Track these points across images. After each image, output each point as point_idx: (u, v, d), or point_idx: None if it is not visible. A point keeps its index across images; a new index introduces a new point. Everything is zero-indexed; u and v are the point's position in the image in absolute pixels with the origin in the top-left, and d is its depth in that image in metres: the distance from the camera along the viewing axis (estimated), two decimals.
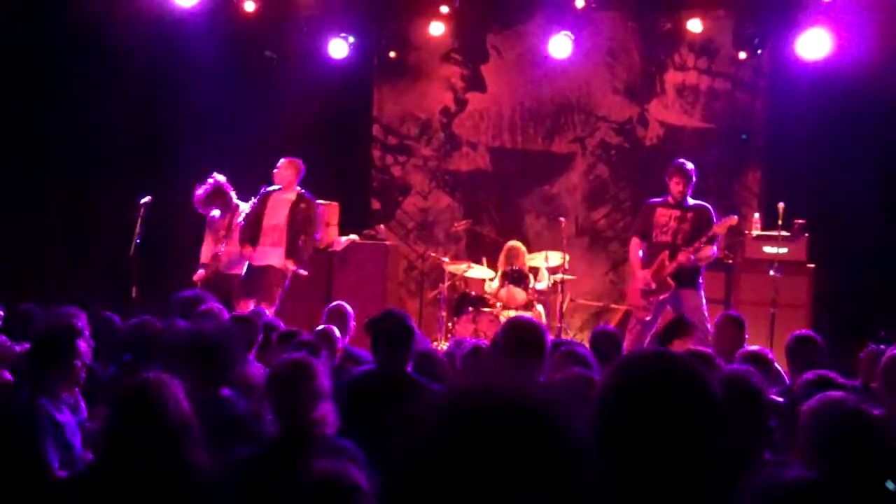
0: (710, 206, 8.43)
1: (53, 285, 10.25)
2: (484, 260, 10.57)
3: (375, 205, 12.04)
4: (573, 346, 5.46)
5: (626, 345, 7.95)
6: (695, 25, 10.92)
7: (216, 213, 9.32)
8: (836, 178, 9.82)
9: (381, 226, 11.15)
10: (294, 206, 9.17)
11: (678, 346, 6.45)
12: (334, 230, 10.56)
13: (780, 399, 4.27)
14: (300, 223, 9.15)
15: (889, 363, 4.55)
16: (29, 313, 6.17)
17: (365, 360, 5.71)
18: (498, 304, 10.07)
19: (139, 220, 8.65)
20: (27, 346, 4.76)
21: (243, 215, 9.18)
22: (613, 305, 10.87)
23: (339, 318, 6.96)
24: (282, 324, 6.77)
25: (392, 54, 11.75)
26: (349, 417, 4.28)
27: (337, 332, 6.24)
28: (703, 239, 8.20)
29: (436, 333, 10.15)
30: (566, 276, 10.11)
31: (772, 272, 8.90)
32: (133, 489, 3.23)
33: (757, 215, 10.19)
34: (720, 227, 8.27)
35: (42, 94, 10.68)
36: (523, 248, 10.45)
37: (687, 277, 8.26)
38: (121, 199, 9.60)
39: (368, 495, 2.78)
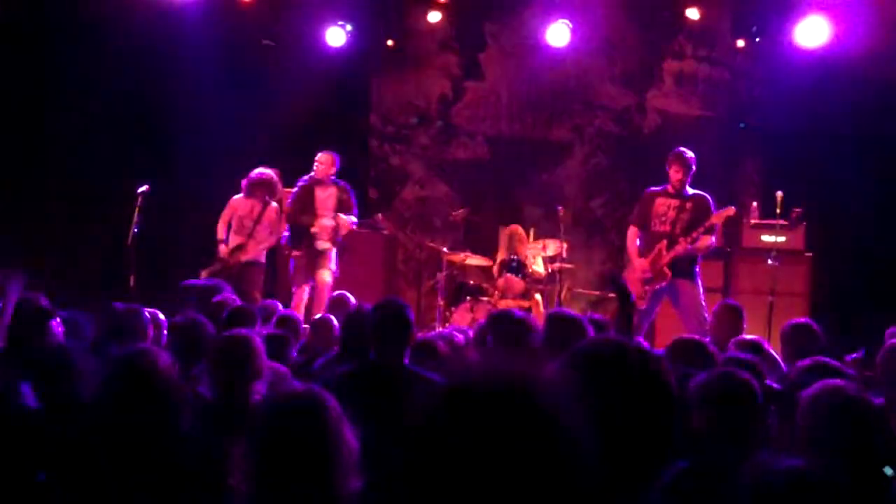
0: (709, 196, 8.42)
1: (51, 274, 10.23)
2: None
3: (373, 194, 12.03)
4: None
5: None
6: (693, 13, 10.89)
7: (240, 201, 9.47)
8: (834, 167, 9.81)
9: (379, 215, 11.13)
10: (339, 199, 9.57)
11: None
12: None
13: (777, 386, 4.27)
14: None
15: (888, 353, 4.55)
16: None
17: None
18: (495, 293, 10.08)
19: (137, 209, 8.64)
20: None
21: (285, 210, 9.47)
22: (611, 294, 10.86)
23: (342, 308, 6.95)
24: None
25: (390, 43, 11.71)
26: (344, 408, 4.28)
27: (335, 322, 6.23)
28: (701, 229, 8.19)
29: (433, 323, 10.15)
30: (564, 265, 10.10)
31: (770, 261, 8.90)
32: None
33: (755, 204, 10.19)
34: (718, 218, 8.26)
35: (39, 82, 10.65)
36: (523, 233, 10.45)
37: (684, 267, 8.26)
38: (118, 188, 9.58)
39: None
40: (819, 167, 10.04)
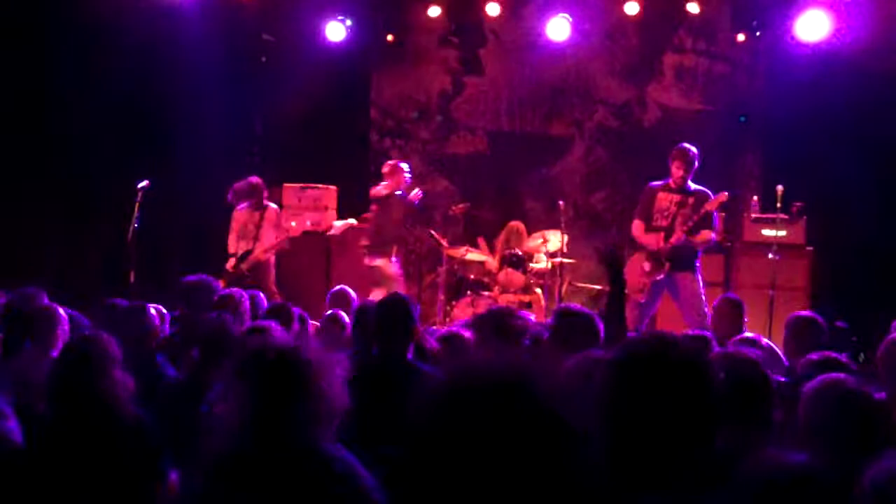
0: (710, 192, 8.41)
1: (51, 270, 10.23)
2: (481, 242, 10.56)
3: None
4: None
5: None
6: (693, 7, 10.88)
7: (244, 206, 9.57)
8: (834, 161, 9.80)
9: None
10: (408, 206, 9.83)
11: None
12: (332, 214, 10.56)
13: (782, 378, 4.27)
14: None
15: (889, 347, 4.54)
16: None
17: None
18: (496, 288, 10.08)
19: (137, 205, 8.63)
20: None
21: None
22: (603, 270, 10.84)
23: (344, 302, 6.94)
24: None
25: (390, 37, 11.70)
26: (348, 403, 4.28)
27: (345, 317, 6.21)
28: (696, 218, 8.17)
29: (434, 317, 10.16)
30: (565, 260, 10.10)
31: (770, 255, 8.90)
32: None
33: (755, 198, 10.18)
34: (711, 205, 8.23)
35: (39, 79, 10.63)
36: (524, 229, 10.46)
37: (684, 261, 8.24)
38: (118, 184, 9.57)
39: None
40: (819, 161, 10.02)
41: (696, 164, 8.37)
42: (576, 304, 5.70)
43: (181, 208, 10.51)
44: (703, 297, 8.17)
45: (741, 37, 11.02)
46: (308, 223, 9.98)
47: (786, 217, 9.48)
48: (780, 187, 8.97)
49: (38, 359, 4.34)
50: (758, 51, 11.17)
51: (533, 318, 5.52)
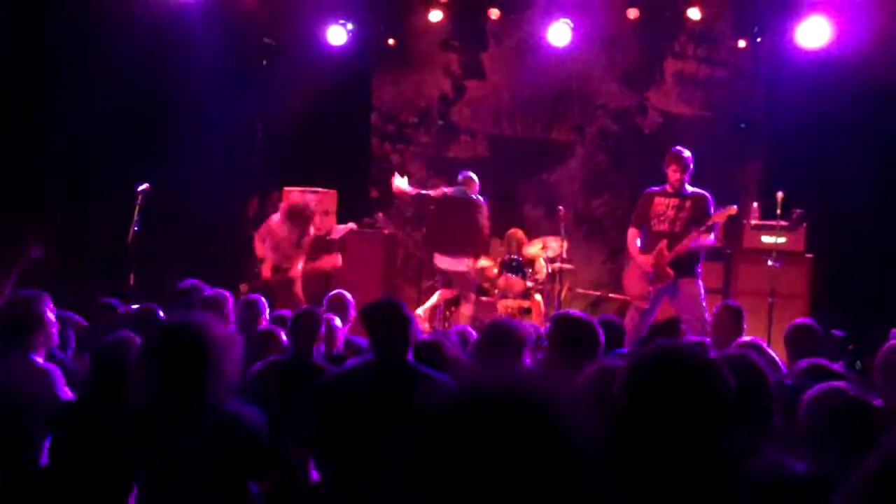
0: (707, 195, 8.40)
1: (51, 272, 10.23)
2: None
3: (374, 193, 12.03)
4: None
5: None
6: (694, 13, 10.89)
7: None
8: (835, 167, 9.81)
9: (380, 214, 11.14)
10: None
11: None
12: (332, 218, 10.56)
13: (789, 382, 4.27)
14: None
15: (887, 356, 4.54)
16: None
17: (365, 350, 5.72)
18: (496, 293, 10.07)
19: (137, 208, 8.63)
20: None
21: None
22: (612, 294, 10.86)
23: (340, 306, 6.94)
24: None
25: (391, 41, 11.72)
26: (348, 407, 4.29)
27: (337, 321, 6.23)
28: (702, 228, 8.17)
29: (433, 321, 10.15)
30: (564, 265, 10.10)
31: (770, 262, 8.89)
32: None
33: (755, 204, 10.18)
34: (719, 217, 8.23)
35: (39, 81, 10.64)
36: (523, 235, 10.47)
37: (686, 266, 8.24)
38: (119, 186, 9.57)
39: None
40: (820, 168, 10.03)
41: (692, 166, 8.36)
42: (575, 311, 5.69)
43: (181, 211, 10.50)
44: (704, 304, 8.16)
45: (742, 43, 11.04)
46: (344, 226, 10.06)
47: (786, 224, 9.48)
48: (780, 194, 8.95)
49: (20, 363, 4.42)
50: (758, 57, 11.17)
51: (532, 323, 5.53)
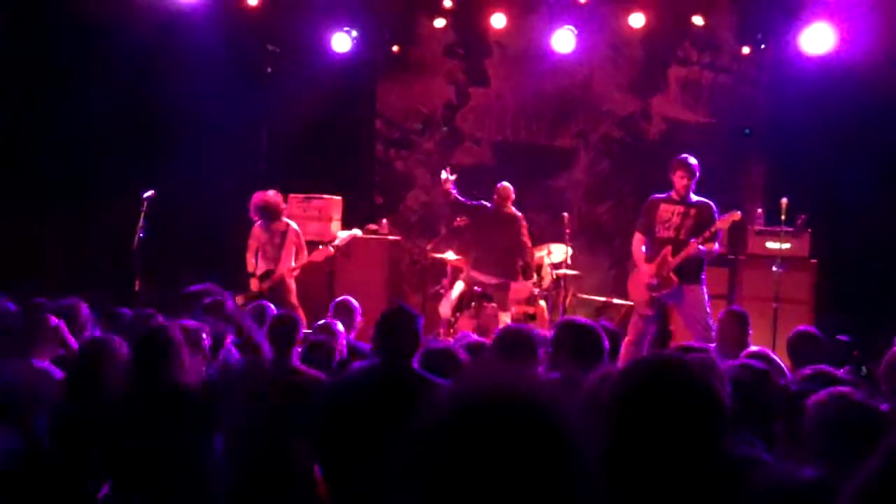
0: (712, 203, 8.38)
1: (56, 279, 10.25)
2: None
3: (378, 199, 12.04)
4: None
5: (629, 340, 7.95)
6: (698, 20, 10.90)
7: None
8: (839, 174, 9.80)
9: (384, 220, 11.15)
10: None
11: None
12: (337, 224, 10.58)
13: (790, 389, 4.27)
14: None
15: (892, 361, 4.54)
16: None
17: (370, 355, 5.74)
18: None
19: (142, 215, 8.65)
20: None
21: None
22: (616, 301, 10.85)
23: (346, 312, 6.95)
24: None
25: (395, 48, 11.74)
26: (351, 412, 4.30)
27: (340, 326, 6.24)
28: (707, 234, 8.16)
29: (438, 328, 10.15)
30: (569, 272, 10.10)
31: (775, 268, 8.89)
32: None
33: (760, 210, 10.18)
34: (723, 222, 8.22)
35: (43, 87, 10.68)
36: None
37: (690, 272, 8.22)
38: (124, 193, 9.59)
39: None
40: (824, 174, 10.03)
41: (698, 174, 8.36)
42: (579, 317, 5.69)
43: (186, 218, 10.52)
44: (709, 310, 8.15)
45: (746, 49, 11.05)
46: (330, 249, 9.96)
47: (790, 230, 9.47)
48: (784, 200, 8.95)
49: (18, 366, 4.56)
50: (763, 64, 11.18)
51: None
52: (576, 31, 10.69)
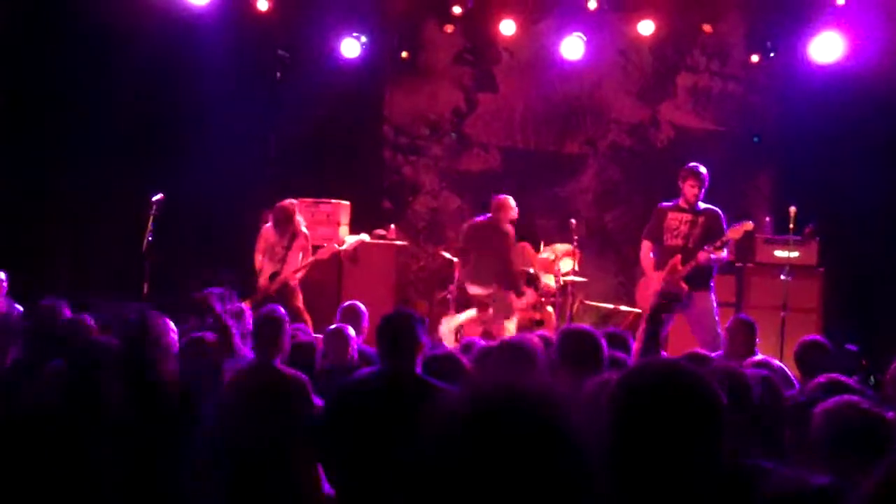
0: (719, 210, 8.39)
1: (65, 282, 10.28)
2: None
3: (386, 204, 12.05)
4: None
5: (636, 347, 7.93)
6: (707, 27, 10.90)
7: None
8: (847, 182, 9.79)
9: (392, 225, 11.16)
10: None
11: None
12: (345, 230, 10.58)
13: (801, 398, 4.26)
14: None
15: None
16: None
17: (377, 360, 5.75)
18: None
19: (151, 218, 8.67)
20: None
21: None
22: (623, 308, 10.84)
23: (353, 317, 6.96)
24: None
25: (404, 54, 11.75)
26: (356, 417, 4.30)
27: (352, 331, 6.24)
28: (718, 243, 8.15)
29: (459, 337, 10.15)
30: (576, 278, 10.09)
31: (783, 276, 8.88)
32: None
33: (768, 219, 10.17)
34: (735, 232, 8.21)
35: (52, 91, 10.71)
36: (532, 249, 10.47)
37: (699, 280, 8.22)
38: (132, 197, 9.62)
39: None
40: (832, 183, 10.01)
41: (707, 183, 8.37)
42: (581, 325, 5.69)
43: (195, 221, 10.54)
44: (717, 318, 8.15)
45: (755, 57, 11.03)
46: (336, 246, 9.98)
47: (798, 238, 9.46)
48: (792, 208, 8.94)
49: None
50: (771, 72, 11.17)
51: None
52: (585, 38, 10.70)
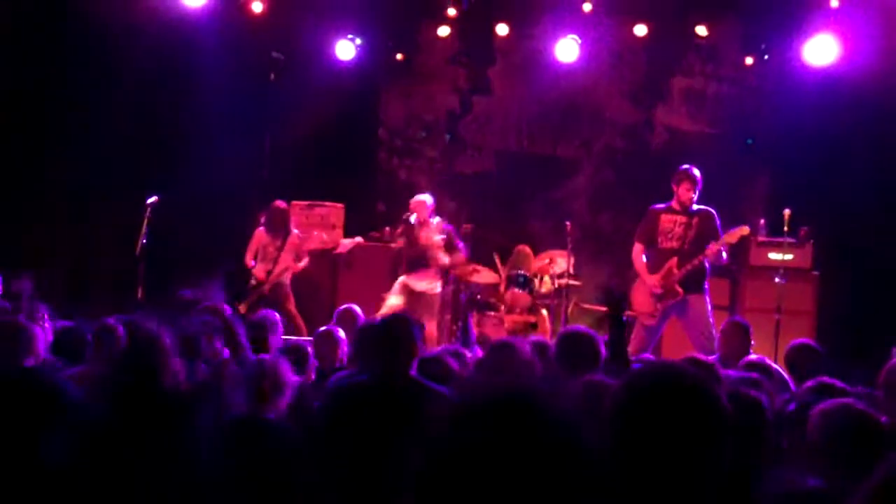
0: (713, 211, 8.41)
1: (59, 286, 10.25)
2: (497, 257, 10.53)
3: (381, 207, 12.03)
4: None
5: (631, 350, 7.93)
6: (702, 30, 10.92)
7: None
8: (841, 185, 9.81)
9: (387, 228, 11.14)
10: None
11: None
12: (339, 232, 10.58)
13: (791, 405, 4.27)
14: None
15: (891, 372, 4.55)
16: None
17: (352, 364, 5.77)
18: (502, 308, 10.07)
19: (145, 221, 8.67)
20: None
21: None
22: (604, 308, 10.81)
23: (349, 321, 6.96)
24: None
25: (399, 56, 11.75)
26: (353, 420, 4.30)
27: (342, 334, 6.23)
28: (714, 246, 8.15)
29: (441, 336, 10.14)
30: (571, 281, 10.09)
31: (777, 279, 8.89)
32: None
33: (762, 221, 10.18)
34: (731, 237, 8.22)
35: (48, 93, 10.70)
36: (530, 251, 10.47)
37: (693, 283, 8.23)
38: (126, 199, 9.61)
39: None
40: (827, 185, 10.03)
41: (701, 185, 8.37)
42: (580, 326, 5.70)
43: (189, 224, 10.53)
44: (711, 320, 8.15)
45: (749, 60, 11.05)
46: (324, 237, 10.03)
47: (793, 241, 9.47)
48: (787, 211, 8.95)
49: None
50: (766, 74, 11.18)
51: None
52: (579, 41, 10.70)
